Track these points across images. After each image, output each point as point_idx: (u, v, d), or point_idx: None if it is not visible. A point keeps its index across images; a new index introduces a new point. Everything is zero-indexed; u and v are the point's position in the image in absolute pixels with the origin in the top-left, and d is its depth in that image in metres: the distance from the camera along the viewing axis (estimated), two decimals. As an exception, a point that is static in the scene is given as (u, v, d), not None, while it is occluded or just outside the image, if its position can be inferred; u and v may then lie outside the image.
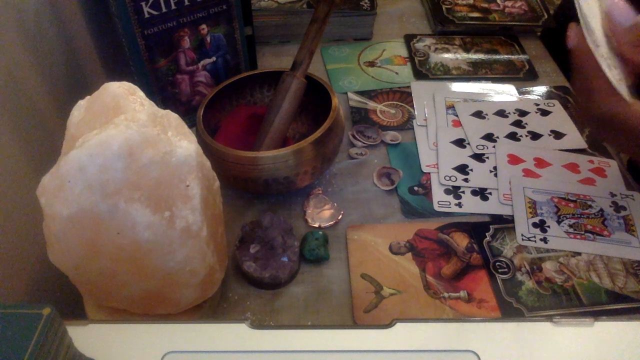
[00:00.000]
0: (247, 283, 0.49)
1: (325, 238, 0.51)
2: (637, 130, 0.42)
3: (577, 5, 0.41)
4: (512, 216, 0.53)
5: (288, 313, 0.46)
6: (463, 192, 0.56)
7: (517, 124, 0.63)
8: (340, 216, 0.54)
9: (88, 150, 0.32)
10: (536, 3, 0.82)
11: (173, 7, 0.55)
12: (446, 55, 0.75)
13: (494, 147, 0.60)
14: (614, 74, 0.41)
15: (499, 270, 0.48)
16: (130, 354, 0.33)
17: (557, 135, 0.61)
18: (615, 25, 0.42)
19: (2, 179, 0.42)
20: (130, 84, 0.38)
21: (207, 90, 0.63)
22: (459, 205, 0.54)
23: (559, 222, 0.52)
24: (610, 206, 0.53)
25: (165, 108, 0.38)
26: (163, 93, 0.60)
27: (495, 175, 0.57)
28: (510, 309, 0.45)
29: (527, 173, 0.57)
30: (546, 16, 0.79)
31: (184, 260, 0.37)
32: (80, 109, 0.38)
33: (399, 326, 0.34)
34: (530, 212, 0.53)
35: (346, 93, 0.70)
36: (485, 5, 0.82)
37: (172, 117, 0.38)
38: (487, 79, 0.71)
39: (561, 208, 0.53)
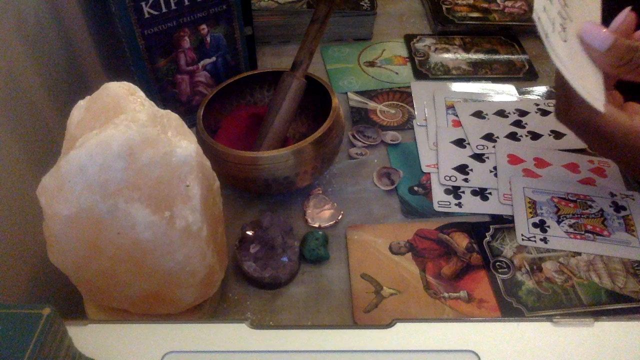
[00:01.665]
0: (247, 283, 0.49)
1: (325, 238, 0.51)
2: (612, 137, 0.43)
3: (539, 31, 0.41)
4: (512, 216, 0.53)
5: (288, 313, 0.46)
6: (463, 192, 0.56)
7: (517, 124, 0.63)
8: (340, 216, 0.54)
9: (88, 150, 0.32)
10: (536, 3, 0.82)
11: (173, 7, 0.55)
12: (446, 55, 0.75)
13: (494, 147, 0.60)
14: (586, 86, 0.41)
15: (499, 270, 0.48)
16: (130, 354, 0.33)
17: (557, 135, 0.61)
18: (593, 50, 0.43)
19: (2, 179, 0.42)
20: (130, 84, 0.37)
21: (207, 90, 0.63)
22: (459, 205, 0.54)
23: (559, 222, 0.52)
24: (610, 206, 0.53)
25: (165, 108, 0.38)
26: (163, 93, 0.60)
27: (495, 175, 0.57)
28: (510, 309, 0.45)
29: (527, 173, 0.57)
30: (546, 16, 0.79)
31: (184, 260, 0.37)
32: (80, 109, 0.38)
33: (399, 326, 0.34)
34: (530, 212, 0.53)
35: (346, 93, 0.70)
36: (485, 5, 0.82)
37: (172, 117, 0.38)
38: (487, 79, 0.71)
39: (561, 208, 0.53)
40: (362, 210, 0.55)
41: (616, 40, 0.41)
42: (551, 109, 0.65)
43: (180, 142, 0.36)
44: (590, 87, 0.41)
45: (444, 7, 0.82)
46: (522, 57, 0.75)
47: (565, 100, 0.44)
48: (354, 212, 0.55)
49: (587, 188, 0.55)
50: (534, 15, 0.41)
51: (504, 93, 0.69)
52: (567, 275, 0.48)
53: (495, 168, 0.58)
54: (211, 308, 0.45)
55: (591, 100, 0.41)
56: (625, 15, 0.42)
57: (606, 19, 0.43)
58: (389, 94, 0.70)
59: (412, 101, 0.68)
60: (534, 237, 0.51)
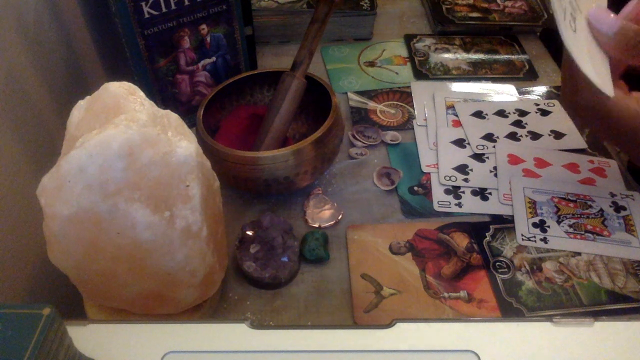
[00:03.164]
0: (247, 283, 0.49)
1: (325, 238, 0.51)
2: (618, 122, 0.42)
3: (556, 21, 0.41)
4: (512, 216, 0.53)
5: (288, 313, 0.46)
6: (463, 192, 0.56)
7: (517, 124, 0.63)
8: (340, 216, 0.54)
9: (88, 150, 0.32)
10: (536, 3, 0.82)
11: (173, 7, 0.55)
12: (446, 55, 0.75)
13: (494, 147, 0.60)
14: (598, 73, 0.41)
15: (499, 270, 0.48)
16: (130, 354, 0.33)
17: (557, 135, 0.61)
18: (601, 34, 0.42)
19: (2, 179, 0.42)
20: (130, 84, 0.37)
21: (207, 90, 0.63)
22: (459, 205, 0.54)
23: (559, 222, 0.52)
24: (610, 206, 0.53)
25: (165, 108, 0.38)
26: (163, 93, 0.60)
27: (495, 175, 0.57)
28: (510, 309, 0.45)
29: (527, 173, 0.57)
30: (546, 16, 0.79)
31: (184, 260, 0.37)
32: (80, 109, 0.37)
33: (399, 326, 0.34)
34: (530, 212, 0.53)
35: (346, 93, 0.70)
36: (485, 5, 0.82)
37: (172, 117, 0.38)
38: (487, 79, 0.71)
39: (561, 208, 0.53)
40: (362, 210, 0.55)
41: (624, 25, 0.41)
42: (551, 109, 0.65)
43: (180, 142, 0.36)
44: (599, 73, 0.41)
45: (444, 7, 0.82)
46: (522, 57, 0.75)
47: (571, 83, 0.44)
48: (354, 212, 0.55)
49: (587, 188, 0.55)
50: None
51: (504, 93, 0.69)
52: (567, 275, 0.48)
53: (495, 168, 0.58)
54: (211, 308, 0.45)
55: (601, 85, 0.40)
56: (634, 3, 0.42)
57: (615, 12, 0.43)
58: (389, 94, 0.70)
59: (412, 101, 0.68)
60: (534, 237, 0.51)
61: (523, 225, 0.52)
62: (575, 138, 0.61)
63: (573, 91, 0.44)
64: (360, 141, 0.62)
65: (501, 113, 0.65)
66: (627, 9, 0.42)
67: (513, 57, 0.75)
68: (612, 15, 0.42)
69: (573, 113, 0.47)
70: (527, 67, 0.73)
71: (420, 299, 0.46)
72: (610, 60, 0.43)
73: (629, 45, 0.42)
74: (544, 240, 0.50)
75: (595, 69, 0.41)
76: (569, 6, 0.42)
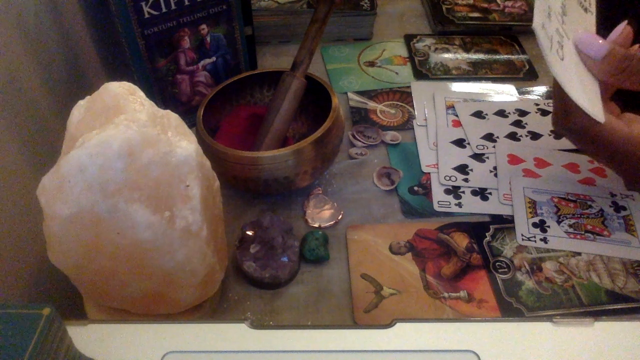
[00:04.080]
0: (247, 283, 0.49)
1: (325, 238, 0.51)
2: (610, 145, 0.43)
3: (540, 43, 0.41)
4: (512, 216, 0.53)
5: (288, 313, 0.46)
6: (463, 192, 0.56)
7: (517, 124, 0.63)
8: (340, 216, 0.54)
9: (88, 150, 0.32)
10: (536, 3, 0.82)
11: (173, 7, 0.55)
12: (446, 55, 0.75)
13: (494, 147, 0.60)
14: (585, 97, 0.41)
15: (499, 270, 0.48)
16: (130, 354, 0.33)
17: (557, 135, 0.61)
18: (589, 59, 0.43)
19: (2, 179, 0.42)
20: (130, 84, 0.38)
21: (207, 90, 0.63)
22: (459, 205, 0.54)
23: (559, 222, 0.52)
24: (610, 206, 0.53)
25: (165, 108, 0.38)
26: (163, 93, 0.60)
27: (495, 175, 0.57)
28: (510, 309, 0.46)
29: (527, 173, 0.57)
30: (546, 16, 0.79)
31: (184, 260, 0.37)
32: (80, 109, 0.38)
33: (399, 326, 0.34)
34: (530, 212, 0.53)
35: (346, 93, 0.70)
36: (485, 5, 0.82)
37: (172, 117, 0.38)
38: (487, 79, 0.71)
39: (561, 208, 0.53)
40: (362, 210, 0.55)
41: (612, 49, 0.41)
42: (551, 109, 0.65)
43: (180, 142, 0.36)
44: (589, 98, 0.42)
45: (444, 7, 0.82)
46: (522, 57, 0.75)
47: (563, 108, 0.45)
48: (354, 212, 0.55)
49: (587, 188, 0.55)
50: (534, 27, 0.41)
51: (504, 93, 0.69)
52: (567, 275, 0.48)
53: (495, 168, 0.58)
54: (211, 308, 0.45)
55: (591, 111, 0.41)
56: (622, 28, 0.42)
57: (603, 36, 0.44)
58: (389, 94, 0.70)
59: (412, 101, 0.68)
60: (534, 237, 0.51)
61: (523, 225, 0.52)
62: (575, 138, 0.61)
63: (565, 115, 0.45)
64: (360, 141, 0.62)
65: (501, 113, 0.65)
66: (615, 33, 0.42)
67: (513, 57, 0.75)
68: (600, 40, 0.42)
69: (565, 137, 0.47)
70: (527, 67, 0.73)
71: (420, 299, 0.46)
72: (599, 84, 0.43)
73: (618, 69, 0.42)
74: (544, 240, 0.50)
75: (586, 95, 0.41)
76: (556, 34, 0.42)
